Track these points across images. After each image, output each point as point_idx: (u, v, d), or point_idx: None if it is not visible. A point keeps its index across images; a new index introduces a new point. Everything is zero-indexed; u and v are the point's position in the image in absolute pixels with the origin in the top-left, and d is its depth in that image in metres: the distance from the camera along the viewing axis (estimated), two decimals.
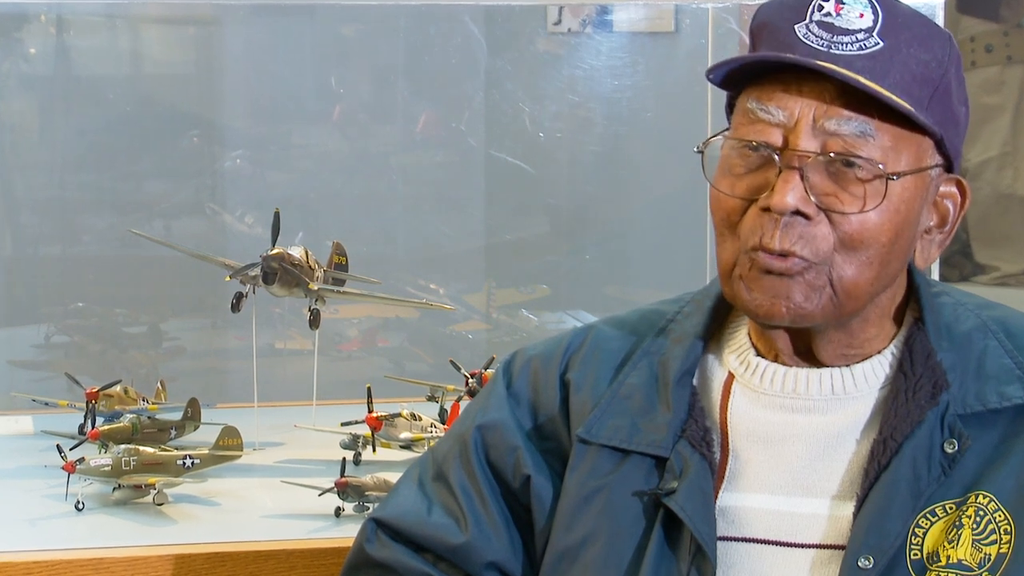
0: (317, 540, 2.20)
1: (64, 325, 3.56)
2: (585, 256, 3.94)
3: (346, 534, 2.15)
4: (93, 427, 2.59)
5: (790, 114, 1.58)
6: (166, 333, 3.65)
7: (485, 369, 2.66)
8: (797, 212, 1.56)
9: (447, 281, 3.76)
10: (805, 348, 1.66)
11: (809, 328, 1.63)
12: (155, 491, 2.34)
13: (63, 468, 2.33)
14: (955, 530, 1.58)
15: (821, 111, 1.57)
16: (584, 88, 3.74)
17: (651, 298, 1.80)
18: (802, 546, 1.62)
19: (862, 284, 1.59)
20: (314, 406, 2.75)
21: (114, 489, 2.36)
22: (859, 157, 1.57)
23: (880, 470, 1.60)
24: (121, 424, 2.56)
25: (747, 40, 1.67)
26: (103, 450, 2.48)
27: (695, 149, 1.66)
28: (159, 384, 2.82)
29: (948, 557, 1.58)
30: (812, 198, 1.57)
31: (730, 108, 1.66)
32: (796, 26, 1.59)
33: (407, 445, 2.53)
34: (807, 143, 1.57)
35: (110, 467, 2.35)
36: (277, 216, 2.59)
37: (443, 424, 2.62)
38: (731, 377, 1.69)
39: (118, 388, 2.71)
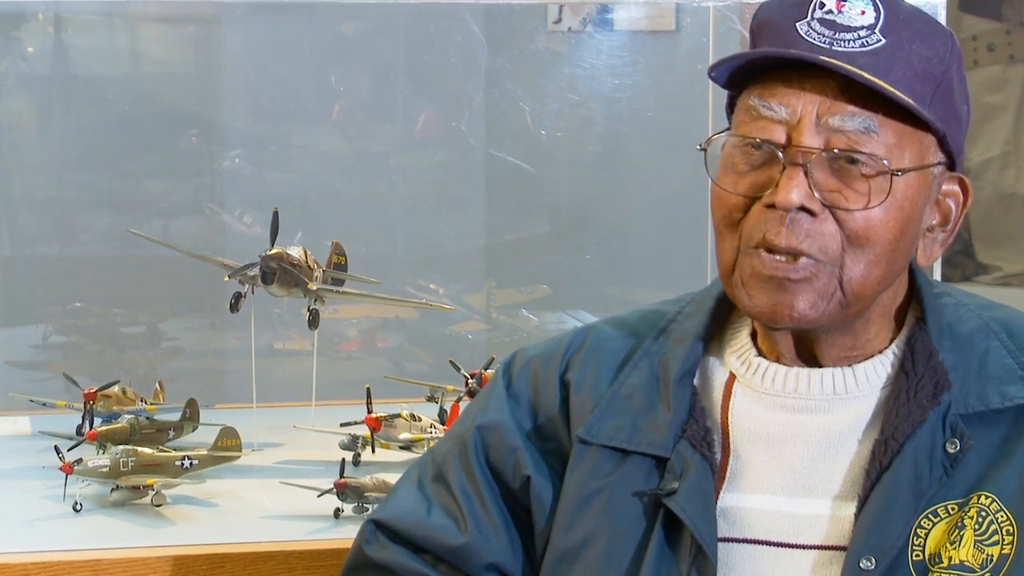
0: (316, 541, 2.20)
1: (62, 325, 3.56)
2: (585, 256, 3.94)
3: (345, 535, 2.15)
4: (91, 428, 2.59)
5: (793, 111, 1.58)
6: (164, 333, 3.64)
7: (485, 369, 2.66)
8: (802, 208, 1.56)
9: (447, 281, 3.76)
10: (807, 350, 1.66)
11: (813, 331, 1.63)
12: (153, 492, 2.34)
13: (61, 469, 2.33)
14: (957, 531, 1.58)
15: (824, 107, 1.57)
16: (584, 87, 3.74)
17: (652, 298, 1.80)
18: (803, 547, 1.62)
19: (870, 283, 1.60)
20: (313, 407, 2.76)
21: (112, 490, 2.36)
22: (863, 153, 1.57)
23: (882, 470, 1.60)
24: (119, 425, 2.56)
25: (748, 39, 1.66)
26: (101, 451, 2.48)
27: (698, 147, 1.66)
28: (157, 384, 2.82)
29: (950, 558, 1.58)
30: (816, 194, 1.56)
31: (730, 107, 1.66)
32: (798, 24, 1.59)
33: (406, 446, 2.54)
34: (810, 140, 1.57)
35: (108, 468, 2.35)
36: (276, 216, 2.59)
37: (443, 425, 2.62)
38: (732, 377, 1.69)
39: (116, 389, 2.71)
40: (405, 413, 2.57)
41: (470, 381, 2.65)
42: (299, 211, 3.52)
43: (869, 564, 1.57)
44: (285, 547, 2.16)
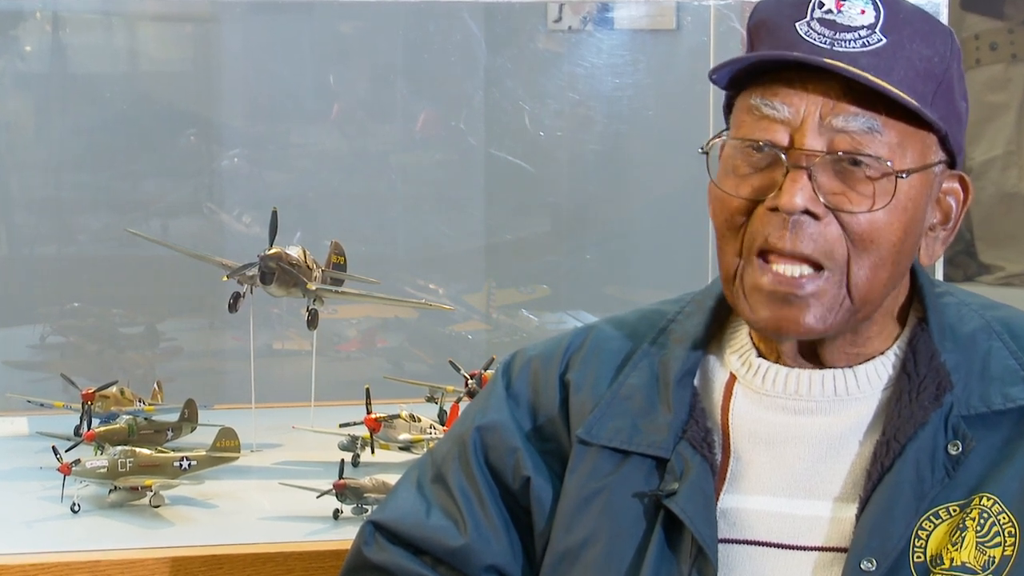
0: (315, 543, 2.20)
1: (60, 325, 3.55)
2: (586, 256, 3.93)
3: (345, 536, 2.15)
4: (89, 428, 2.59)
5: (795, 111, 1.57)
6: (163, 333, 3.64)
7: (485, 370, 2.66)
8: (806, 212, 1.55)
9: (447, 281, 3.75)
10: (809, 351, 1.66)
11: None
12: (151, 493, 2.34)
13: (59, 470, 2.33)
14: (959, 532, 1.58)
15: (827, 108, 1.57)
16: (585, 86, 3.73)
17: (652, 298, 1.80)
18: (804, 548, 1.62)
19: (877, 286, 1.59)
20: (312, 407, 2.75)
21: (110, 491, 2.36)
22: (867, 155, 1.57)
23: (883, 472, 1.60)
24: (117, 425, 2.57)
25: (745, 38, 1.66)
26: (99, 452, 2.48)
27: (699, 150, 1.65)
28: (156, 385, 2.83)
29: (952, 560, 1.58)
30: (820, 197, 1.56)
31: (728, 108, 1.66)
32: (797, 24, 1.59)
33: (406, 447, 2.53)
34: (813, 141, 1.56)
35: (106, 469, 2.35)
36: (275, 215, 2.58)
37: (442, 425, 2.62)
38: (733, 378, 1.69)
39: (114, 389, 2.71)
40: (404, 414, 2.57)
41: (470, 381, 2.65)
42: (298, 211, 3.52)
43: (870, 566, 1.57)
44: (284, 548, 2.16)
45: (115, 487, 2.35)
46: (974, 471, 1.60)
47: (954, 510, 1.59)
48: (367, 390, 2.55)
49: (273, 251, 2.58)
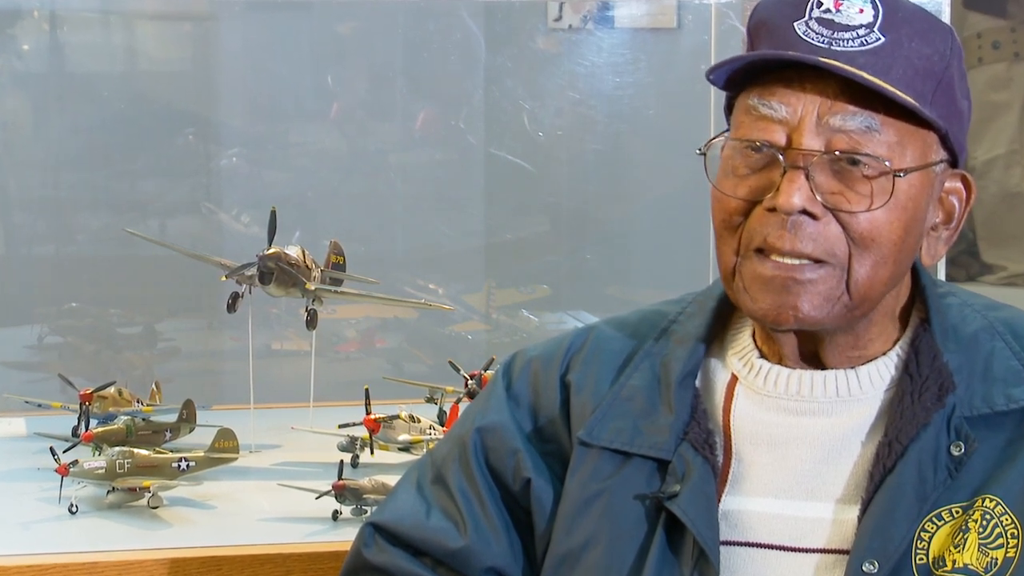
0: (314, 544, 2.20)
1: (57, 325, 3.55)
2: (586, 256, 3.91)
3: (344, 538, 2.15)
4: (87, 429, 2.59)
5: (793, 111, 1.58)
6: (161, 334, 3.63)
7: (485, 370, 2.65)
8: (804, 212, 1.56)
9: (447, 281, 3.74)
10: (811, 352, 1.66)
11: (816, 332, 1.63)
12: (150, 494, 2.34)
13: (56, 471, 2.33)
14: (961, 534, 1.58)
15: (825, 108, 1.57)
16: (585, 85, 3.72)
17: (653, 298, 1.80)
18: (806, 551, 1.62)
19: (877, 285, 1.60)
20: (311, 408, 2.75)
21: (108, 492, 2.36)
22: (864, 155, 1.57)
23: (885, 473, 1.60)
24: (115, 426, 2.56)
25: (746, 38, 1.67)
26: (97, 452, 2.48)
27: (697, 151, 1.65)
28: (154, 385, 2.82)
29: (954, 562, 1.58)
30: (818, 197, 1.56)
31: (729, 108, 1.66)
32: (795, 23, 1.59)
33: (405, 447, 2.53)
34: (811, 141, 1.57)
35: (104, 470, 2.35)
36: (273, 215, 2.58)
37: (442, 426, 2.62)
38: (734, 379, 1.69)
39: (112, 390, 2.71)
40: (404, 414, 2.56)
41: (469, 382, 2.64)
42: (297, 210, 3.52)
43: (872, 568, 1.57)
44: (283, 550, 2.16)
45: (113, 488, 2.35)
46: (977, 472, 1.60)
47: (957, 511, 1.59)
48: (366, 391, 2.54)
49: (272, 251, 2.57)
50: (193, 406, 2.67)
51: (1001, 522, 1.59)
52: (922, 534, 1.58)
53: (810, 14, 1.59)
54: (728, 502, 1.64)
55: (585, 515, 1.66)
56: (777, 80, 1.59)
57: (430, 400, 2.79)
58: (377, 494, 2.27)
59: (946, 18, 2.61)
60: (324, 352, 3.39)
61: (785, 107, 1.58)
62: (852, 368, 1.65)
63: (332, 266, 2.74)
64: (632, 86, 3.70)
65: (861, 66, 1.55)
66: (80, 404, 2.66)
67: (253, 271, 2.57)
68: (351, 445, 2.55)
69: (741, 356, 1.69)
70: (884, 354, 1.66)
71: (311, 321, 2.66)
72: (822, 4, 1.59)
